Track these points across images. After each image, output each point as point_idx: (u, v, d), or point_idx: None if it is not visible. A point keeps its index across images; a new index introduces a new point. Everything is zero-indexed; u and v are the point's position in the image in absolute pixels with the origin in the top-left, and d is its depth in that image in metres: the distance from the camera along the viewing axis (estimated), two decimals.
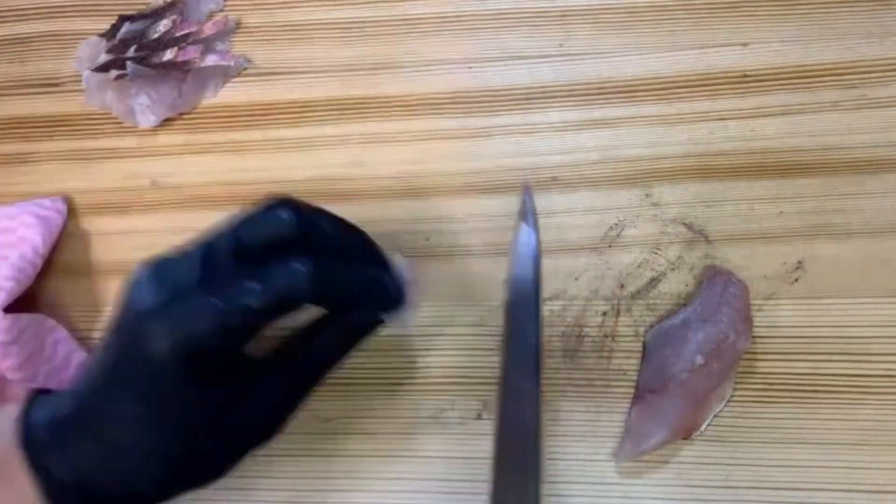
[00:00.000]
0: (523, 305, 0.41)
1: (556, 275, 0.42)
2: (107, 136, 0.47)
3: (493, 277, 0.43)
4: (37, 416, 0.32)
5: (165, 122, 0.46)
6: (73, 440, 0.32)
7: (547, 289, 0.42)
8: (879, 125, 0.42)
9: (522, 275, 0.41)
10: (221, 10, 0.48)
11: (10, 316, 0.41)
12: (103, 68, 0.45)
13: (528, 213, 0.42)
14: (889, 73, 0.42)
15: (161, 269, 0.31)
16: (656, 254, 0.42)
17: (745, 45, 0.43)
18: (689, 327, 0.39)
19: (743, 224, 0.42)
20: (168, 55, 0.45)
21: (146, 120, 0.46)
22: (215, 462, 0.33)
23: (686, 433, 0.39)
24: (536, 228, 0.41)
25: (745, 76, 0.43)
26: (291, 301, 0.30)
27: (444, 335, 0.42)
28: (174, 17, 0.46)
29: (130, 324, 0.30)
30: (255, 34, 0.47)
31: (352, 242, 0.34)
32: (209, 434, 0.32)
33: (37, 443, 0.32)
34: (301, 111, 0.46)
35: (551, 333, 0.42)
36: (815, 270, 0.41)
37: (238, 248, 0.31)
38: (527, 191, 0.42)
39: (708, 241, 0.42)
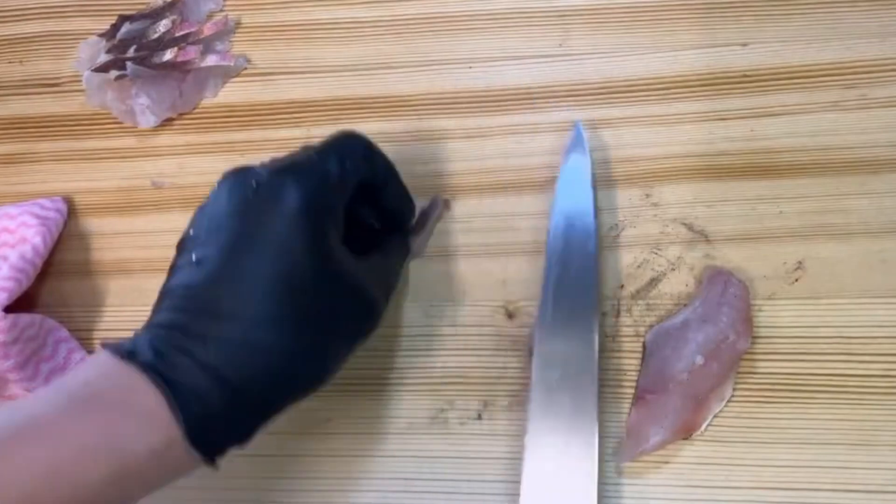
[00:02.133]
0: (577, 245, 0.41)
1: None
2: (107, 136, 0.47)
3: (493, 277, 0.43)
4: (139, 342, 0.31)
5: (165, 122, 0.46)
6: (194, 337, 0.31)
7: None
8: (880, 125, 0.42)
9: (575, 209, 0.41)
10: (221, 10, 0.48)
11: (10, 316, 0.41)
12: (103, 68, 0.45)
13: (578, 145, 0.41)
14: (890, 73, 0.42)
15: (253, 166, 0.35)
16: (656, 254, 0.42)
17: (744, 45, 0.43)
18: (689, 327, 0.39)
19: (743, 224, 0.42)
20: (168, 55, 0.45)
21: (146, 120, 0.46)
22: (328, 349, 0.34)
23: (686, 433, 0.39)
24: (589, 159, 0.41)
25: (745, 76, 0.43)
26: (374, 165, 0.37)
27: (444, 335, 0.42)
28: (174, 17, 0.46)
29: (249, 195, 0.33)
30: (255, 34, 0.47)
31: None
32: (327, 306, 0.33)
33: (153, 360, 0.30)
34: (301, 111, 0.46)
35: None
36: (815, 270, 0.41)
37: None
38: (577, 126, 0.42)
39: (708, 241, 0.42)
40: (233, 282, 0.32)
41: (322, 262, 0.33)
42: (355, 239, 0.35)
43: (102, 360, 0.31)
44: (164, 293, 0.33)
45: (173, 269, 0.34)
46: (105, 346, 0.32)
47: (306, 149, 0.36)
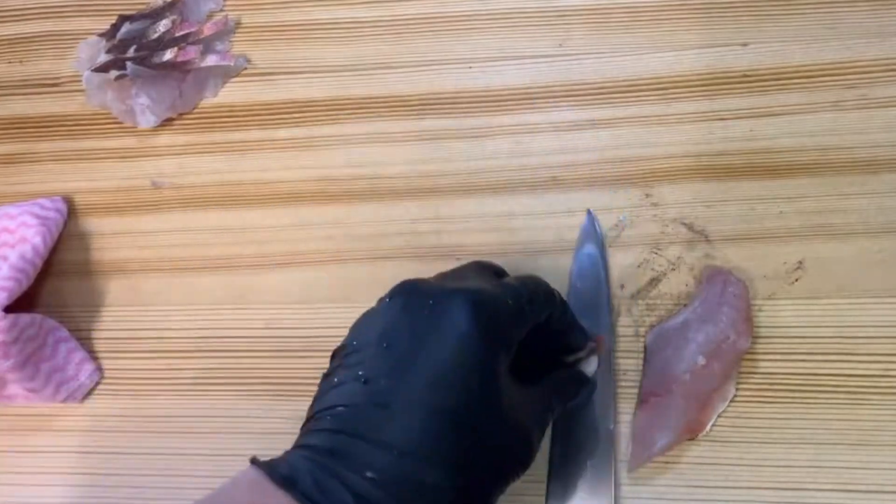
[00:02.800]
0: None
1: (557, 275, 0.42)
2: (107, 136, 0.47)
3: None
4: (296, 466, 0.29)
5: (165, 122, 0.46)
6: (353, 465, 0.29)
7: None
8: (880, 125, 0.42)
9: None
10: (221, 10, 0.48)
11: (10, 316, 0.41)
12: (103, 68, 0.45)
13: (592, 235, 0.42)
14: (890, 73, 0.42)
15: (428, 280, 0.34)
16: (656, 254, 0.42)
17: (745, 45, 0.43)
18: (689, 328, 0.39)
19: (743, 224, 0.42)
20: (168, 55, 0.45)
21: (146, 120, 0.46)
22: (485, 489, 0.31)
23: (692, 434, 0.39)
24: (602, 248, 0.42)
25: (745, 76, 0.43)
26: (552, 305, 0.35)
27: None
28: (174, 17, 0.46)
29: (422, 312, 0.31)
30: (255, 34, 0.47)
31: None
32: (491, 444, 0.31)
33: (312, 490, 0.28)
34: (301, 111, 0.46)
35: None
36: (815, 270, 0.41)
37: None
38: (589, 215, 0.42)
39: (708, 241, 0.42)
40: (398, 409, 0.30)
41: (489, 393, 0.31)
42: (519, 368, 0.33)
43: (255, 482, 0.29)
44: (324, 408, 0.31)
45: (335, 382, 0.31)
46: (257, 463, 0.30)
47: (484, 273, 0.36)
